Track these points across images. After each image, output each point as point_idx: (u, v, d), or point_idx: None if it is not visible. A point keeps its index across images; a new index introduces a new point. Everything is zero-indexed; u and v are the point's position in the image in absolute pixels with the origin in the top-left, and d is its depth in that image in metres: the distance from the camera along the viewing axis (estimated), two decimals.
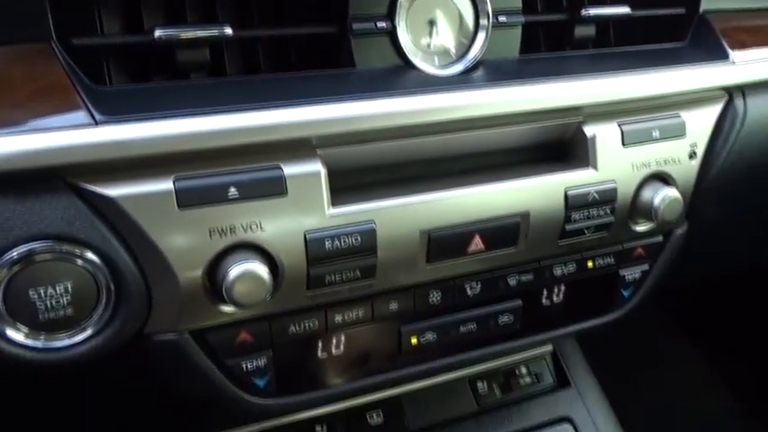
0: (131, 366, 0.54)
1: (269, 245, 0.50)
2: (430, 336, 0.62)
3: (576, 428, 0.79)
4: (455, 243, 0.57)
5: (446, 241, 0.57)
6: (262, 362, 0.55)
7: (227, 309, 0.52)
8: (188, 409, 0.68)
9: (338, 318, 0.57)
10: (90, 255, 0.47)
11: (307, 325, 0.56)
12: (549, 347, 0.85)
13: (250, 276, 0.48)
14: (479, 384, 0.81)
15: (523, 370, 0.83)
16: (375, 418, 0.75)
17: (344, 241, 0.52)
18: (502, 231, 0.59)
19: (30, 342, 0.47)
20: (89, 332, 0.49)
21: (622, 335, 1.94)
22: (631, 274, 0.70)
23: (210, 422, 0.68)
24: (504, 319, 0.65)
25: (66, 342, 0.48)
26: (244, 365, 0.55)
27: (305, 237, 0.51)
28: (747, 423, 1.85)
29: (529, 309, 0.66)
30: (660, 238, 0.70)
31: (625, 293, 0.71)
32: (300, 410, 0.65)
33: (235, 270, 0.48)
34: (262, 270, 0.49)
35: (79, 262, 0.47)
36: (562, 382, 0.84)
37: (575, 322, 0.70)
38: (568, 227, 0.61)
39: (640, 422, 1.08)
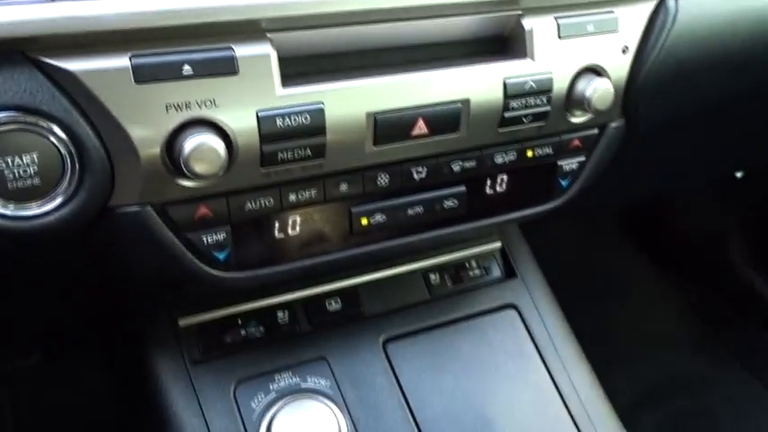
0: (100, 240, 0.58)
1: (223, 122, 0.54)
2: (379, 217, 0.67)
3: (520, 314, 0.85)
4: (400, 126, 0.62)
5: (391, 124, 0.61)
6: (221, 236, 0.60)
7: (187, 183, 0.56)
8: (156, 289, 0.73)
9: (292, 197, 0.62)
10: (54, 127, 0.50)
11: (262, 202, 0.60)
12: (497, 244, 0.91)
13: (205, 148, 0.52)
14: (432, 276, 0.86)
15: (473, 263, 0.89)
16: (333, 305, 0.80)
17: (295, 120, 0.56)
18: (444, 116, 0.63)
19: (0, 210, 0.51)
20: (57, 202, 0.52)
21: (580, 252, 2.04)
22: (569, 164, 0.75)
23: (178, 301, 0.73)
24: (450, 203, 0.70)
25: (36, 211, 0.52)
26: (204, 239, 0.59)
27: (257, 115, 0.55)
28: (700, 334, 1.98)
29: (473, 195, 0.71)
30: (596, 131, 0.75)
31: (563, 183, 0.76)
32: (260, 286, 0.70)
33: (191, 142, 0.52)
34: (216, 143, 0.53)
35: (44, 133, 0.50)
36: (509, 274, 0.90)
37: (516, 210, 0.75)
38: (507, 114, 0.66)
39: (593, 331, 1.16)
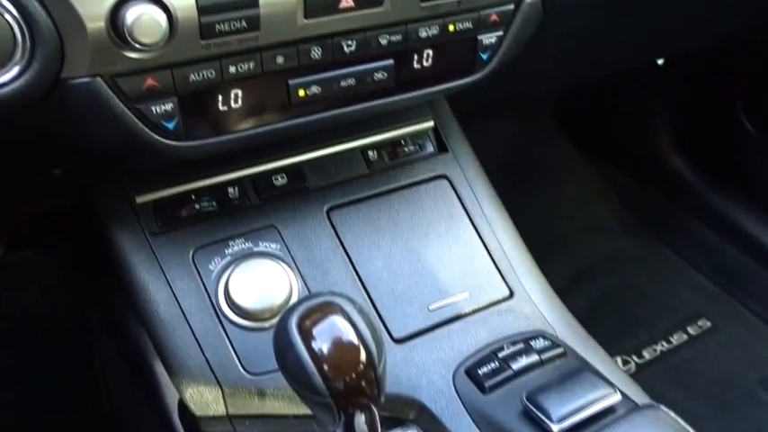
0: (56, 112, 0.63)
1: None
2: (315, 89, 0.73)
3: (451, 183, 0.94)
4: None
5: None
6: (169, 106, 0.65)
7: (132, 54, 0.61)
8: (112, 162, 0.78)
9: (232, 69, 0.67)
10: (4, 2, 0.54)
11: (205, 74, 0.66)
12: (430, 123, 0.99)
13: (147, 18, 0.58)
14: (370, 153, 0.93)
15: (408, 140, 0.96)
16: (279, 180, 0.87)
17: None
18: None
19: None
20: (12, 73, 0.57)
21: (519, 148, 2.14)
22: (488, 38, 0.82)
23: (134, 178, 0.79)
24: (379, 75, 0.76)
25: None
26: (153, 109, 0.65)
27: None
28: (629, 219, 2.13)
29: (401, 69, 0.78)
30: (512, 7, 0.82)
31: (483, 57, 0.83)
32: (209, 157, 0.76)
33: (133, 12, 0.57)
34: (157, 13, 0.58)
35: None
36: (441, 149, 0.98)
37: (442, 82, 0.82)
38: None
39: (532, 221, 1.26)
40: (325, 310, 0.58)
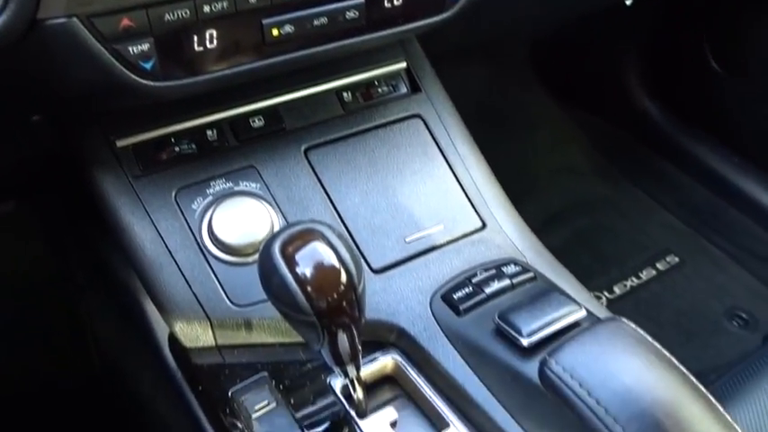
0: (34, 53, 0.64)
1: None
2: (288, 28, 0.75)
3: (424, 122, 0.96)
4: None
5: None
6: (145, 46, 0.67)
7: None
8: (91, 104, 0.80)
9: (206, 8, 0.69)
10: None
11: (179, 13, 0.67)
12: (403, 64, 1.01)
13: None
14: (344, 94, 0.95)
15: (382, 81, 0.98)
16: (257, 122, 0.89)
17: None
18: None
19: None
20: None
21: (493, 93, 2.17)
22: None
23: (114, 122, 0.81)
24: (351, 14, 0.78)
25: None
26: (130, 49, 0.66)
27: None
28: (601, 162, 2.18)
29: (372, 8, 0.79)
30: None
31: None
32: (187, 98, 0.78)
33: None
34: None
35: None
36: (414, 90, 1.00)
37: (413, 21, 0.84)
38: None
39: (506, 165, 1.29)
40: (307, 236, 0.61)
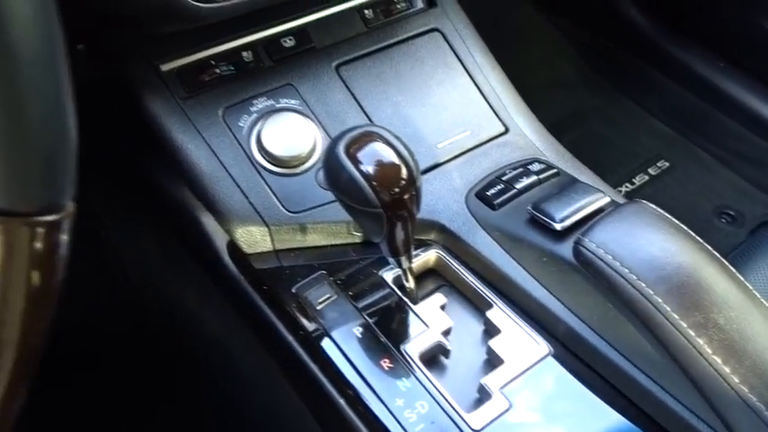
0: None
1: None
2: None
3: (443, 35, 1.01)
4: None
5: None
6: None
7: None
8: (136, 31, 0.84)
9: None
10: None
11: None
12: None
13: None
14: (366, 12, 1.00)
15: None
16: (288, 42, 0.93)
17: None
18: None
19: None
20: None
21: (484, 9, 2.19)
22: None
23: (158, 47, 0.85)
24: None
25: None
26: None
27: None
28: (591, 74, 2.24)
29: None
30: None
31: None
32: (228, 18, 0.82)
33: None
34: None
35: None
36: (430, 5, 1.04)
37: None
38: None
39: None
40: (368, 137, 0.67)
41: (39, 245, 0.44)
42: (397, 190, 0.65)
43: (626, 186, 1.92)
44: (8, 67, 0.39)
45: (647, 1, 2.11)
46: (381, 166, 0.65)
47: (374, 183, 0.65)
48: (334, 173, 0.67)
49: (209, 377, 1.20)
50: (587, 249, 0.70)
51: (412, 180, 0.66)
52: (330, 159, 0.67)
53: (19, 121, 0.40)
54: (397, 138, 0.68)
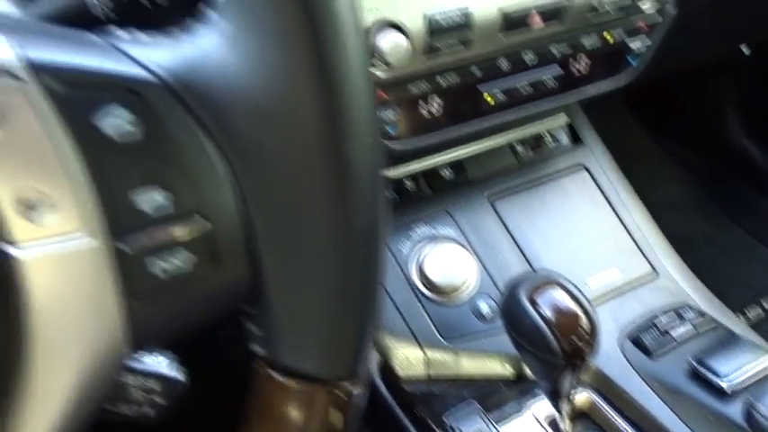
0: None
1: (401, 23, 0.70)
2: (500, 96, 0.84)
3: (589, 172, 1.05)
4: (520, 19, 0.78)
5: (515, 16, 0.77)
6: (392, 115, 0.77)
7: (377, 73, 0.72)
8: None
9: (441, 81, 0.78)
10: None
11: (422, 86, 0.77)
12: (565, 119, 1.09)
13: (395, 42, 0.69)
14: (518, 147, 1.05)
15: (548, 135, 1.07)
16: (446, 173, 0.98)
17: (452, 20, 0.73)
18: (552, 10, 0.80)
19: None
20: None
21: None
22: (635, 44, 0.92)
23: None
24: (548, 79, 0.87)
25: None
26: (383, 116, 0.76)
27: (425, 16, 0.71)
28: (700, 199, 2.22)
29: (565, 73, 0.88)
30: (660, 18, 0.92)
31: (632, 61, 0.93)
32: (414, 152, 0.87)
33: (385, 38, 0.68)
34: (400, 38, 0.69)
35: None
36: (576, 142, 1.08)
37: (598, 81, 0.93)
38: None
39: None
40: (548, 284, 0.69)
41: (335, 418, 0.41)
42: (577, 340, 0.67)
43: (738, 316, 1.86)
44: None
45: (758, 129, 2.11)
46: (563, 314, 0.67)
47: (556, 331, 0.66)
48: (515, 317, 0.69)
49: None
50: (763, 417, 0.69)
51: (593, 330, 0.67)
52: (512, 304, 0.69)
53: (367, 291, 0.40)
54: (575, 286, 0.70)
